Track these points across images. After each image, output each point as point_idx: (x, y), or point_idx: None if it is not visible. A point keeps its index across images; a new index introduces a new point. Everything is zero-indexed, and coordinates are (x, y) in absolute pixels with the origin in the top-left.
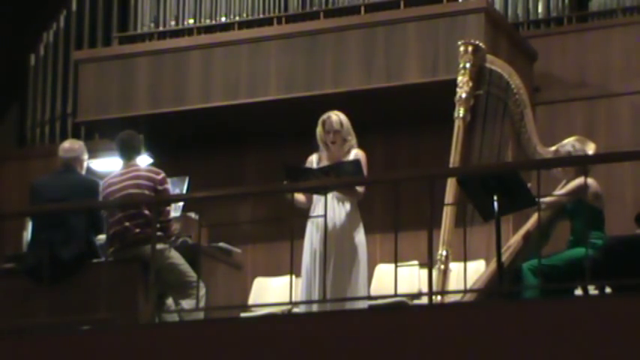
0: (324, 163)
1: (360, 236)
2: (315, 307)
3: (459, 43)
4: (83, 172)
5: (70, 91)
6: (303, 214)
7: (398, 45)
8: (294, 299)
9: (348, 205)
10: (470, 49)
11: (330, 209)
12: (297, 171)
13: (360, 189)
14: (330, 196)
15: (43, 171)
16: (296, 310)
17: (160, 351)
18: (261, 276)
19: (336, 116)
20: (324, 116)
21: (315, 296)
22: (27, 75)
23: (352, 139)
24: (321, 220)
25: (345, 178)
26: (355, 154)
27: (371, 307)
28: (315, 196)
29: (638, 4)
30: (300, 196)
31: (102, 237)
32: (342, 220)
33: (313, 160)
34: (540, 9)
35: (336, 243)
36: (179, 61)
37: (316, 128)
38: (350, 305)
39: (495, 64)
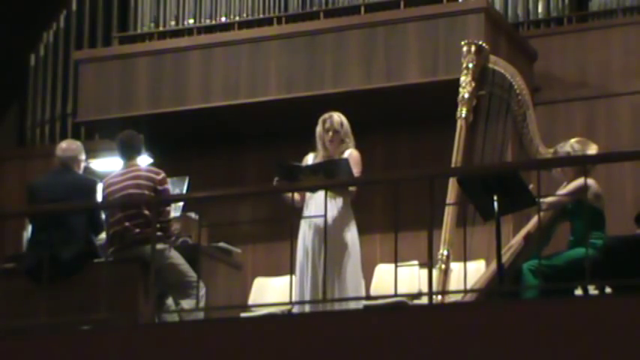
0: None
1: (351, 234)
2: (307, 307)
3: (462, 43)
4: (80, 172)
5: (70, 91)
6: (302, 215)
7: (398, 45)
8: (293, 299)
9: (340, 203)
10: (473, 49)
11: (321, 207)
12: (288, 167)
13: (351, 187)
14: (322, 193)
15: (43, 171)
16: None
17: (160, 351)
18: (261, 276)
19: (338, 117)
20: (326, 115)
21: (307, 294)
22: (27, 75)
23: (350, 142)
24: (313, 219)
25: (343, 176)
26: (350, 153)
27: (369, 307)
28: (308, 194)
29: (638, 4)
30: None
31: (102, 237)
32: (334, 218)
33: (309, 159)
34: (540, 9)
35: (327, 241)
36: (179, 61)
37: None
38: (340, 305)
39: (498, 64)
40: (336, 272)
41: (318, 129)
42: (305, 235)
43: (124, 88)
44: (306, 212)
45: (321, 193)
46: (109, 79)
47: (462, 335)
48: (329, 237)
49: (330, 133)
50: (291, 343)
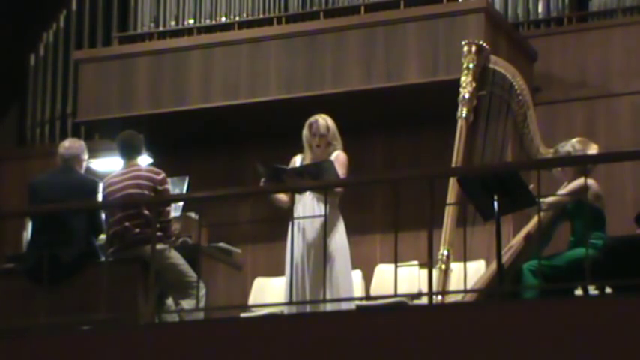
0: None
1: (339, 236)
2: (297, 308)
3: (463, 43)
4: (82, 171)
5: (70, 91)
6: (300, 215)
7: (398, 45)
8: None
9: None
10: (473, 49)
11: (308, 210)
12: (272, 169)
13: (337, 189)
14: (309, 196)
15: (43, 171)
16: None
17: (160, 351)
18: (261, 276)
19: (323, 120)
20: (311, 119)
21: (296, 297)
22: (27, 75)
23: (338, 144)
24: (301, 221)
25: (329, 178)
26: (336, 155)
27: (363, 307)
28: (297, 196)
29: (638, 4)
30: (281, 195)
31: (102, 237)
32: (321, 222)
33: (297, 161)
34: (540, 9)
35: (314, 244)
36: (179, 61)
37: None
38: (333, 306)
39: (499, 64)
40: (326, 275)
41: (305, 132)
42: (293, 238)
43: (124, 88)
44: (294, 215)
45: (307, 196)
46: (109, 79)
47: (462, 335)
48: (316, 241)
49: (317, 138)
50: (291, 343)
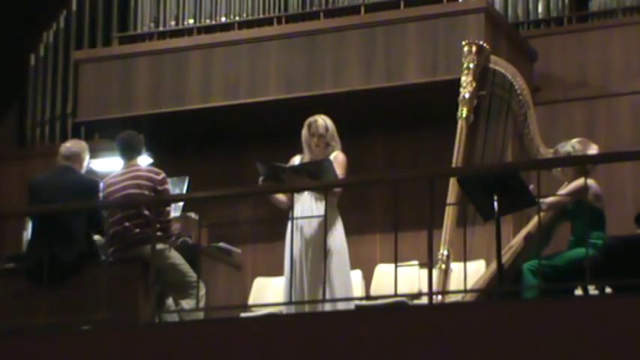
0: None
1: (338, 235)
2: (295, 308)
3: (463, 43)
4: (83, 171)
5: (70, 91)
6: (289, 215)
7: (398, 45)
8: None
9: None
10: (474, 49)
11: (307, 209)
12: (270, 167)
13: (335, 189)
14: (307, 195)
15: (43, 171)
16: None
17: (160, 351)
18: (261, 276)
19: (322, 121)
20: (311, 119)
21: (295, 296)
22: (27, 75)
23: (336, 145)
24: (299, 220)
25: (327, 177)
26: (335, 156)
27: (362, 307)
28: (295, 195)
29: (638, 4)
30: (280, 195)
31: (100, 237)
32: (319, 221)
33: (296, 161)
34: (540, 9)
35: (312, 243)
36: (179, 61)
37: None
38: (331, 306)
39: (499, 64)
40: (322, 275)
41: (304, 132)
42: (291, 237)
43: (124, 88)
44: (294, 215)
45: (306, 195)
46: (109, 79)
47: (462, 335)
48: (314, 240)
49: (316, 138)
50: (291, 344)
